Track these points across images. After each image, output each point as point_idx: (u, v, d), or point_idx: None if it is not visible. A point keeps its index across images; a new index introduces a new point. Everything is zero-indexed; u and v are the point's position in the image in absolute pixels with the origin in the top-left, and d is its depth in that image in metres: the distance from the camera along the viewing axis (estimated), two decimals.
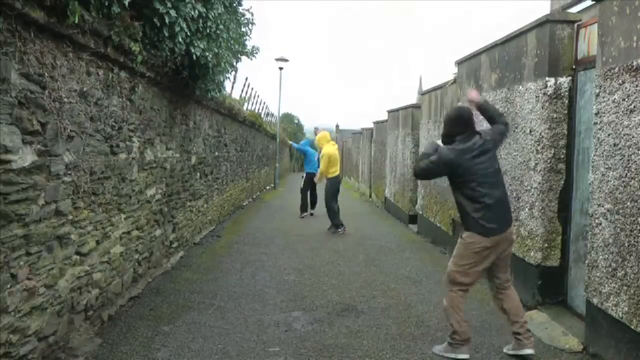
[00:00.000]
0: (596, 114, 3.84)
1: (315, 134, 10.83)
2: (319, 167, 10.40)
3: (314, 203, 11.95)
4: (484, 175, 3.75)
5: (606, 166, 3.68)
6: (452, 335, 3.88)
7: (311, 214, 11.79)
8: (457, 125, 3.88)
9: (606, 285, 3.63)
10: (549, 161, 4.81)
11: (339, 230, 9.43)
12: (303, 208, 11.65)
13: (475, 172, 3.74)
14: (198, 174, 7.98)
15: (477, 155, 3.77)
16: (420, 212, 9.72)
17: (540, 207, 4.85)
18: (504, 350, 3.95)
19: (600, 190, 3.76)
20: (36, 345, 3.23)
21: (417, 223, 10.20)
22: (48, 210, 3.32)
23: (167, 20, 4.68)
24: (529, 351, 3.82)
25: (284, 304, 5.07)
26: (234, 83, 13.74)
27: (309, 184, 11.52)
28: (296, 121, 51.27)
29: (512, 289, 3.96)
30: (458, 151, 3.79)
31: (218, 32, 5.96)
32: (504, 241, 3.80)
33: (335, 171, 9.97)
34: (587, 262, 3.94)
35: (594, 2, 3.98)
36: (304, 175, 11.71)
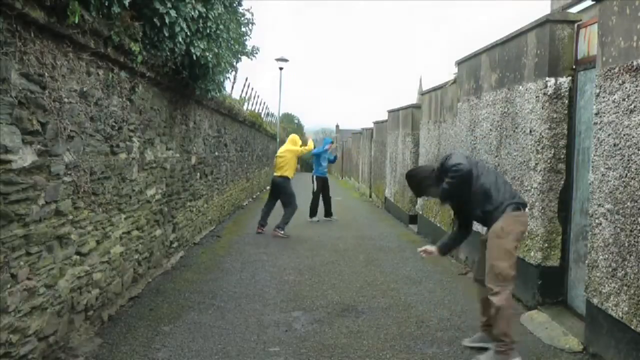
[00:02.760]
0: (596, 114, 3.84)
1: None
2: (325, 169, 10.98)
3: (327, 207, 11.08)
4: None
5: (606, 166, 3.68)
6: (499, 340, 3.63)
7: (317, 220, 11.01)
8: (421, 185, 4.01)
9: (606, 285, 3.63)
10: (549, 161, 4.81)
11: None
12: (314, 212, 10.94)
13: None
14: (198, 174, 7.98)
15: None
16: (420, 212, 9.71)
17: (541, 207, 4.85)
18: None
19: (600, 190, 3.76)
20: (36, 345, 3.23)
21: (417, 223, 10.20)
22: (48, 210, 3.32)
23: (167, 20, 4.68)
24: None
25: (284, 304, 5.07)
26: (234, 83, 13.78)
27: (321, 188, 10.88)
28: (296, 121, 51.25)
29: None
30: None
31: (218, 32, 5.97)
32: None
33: (278, 170, 9.25)
34: (587, 262, 3.94)
35: (594, 2, 3.98)
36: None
